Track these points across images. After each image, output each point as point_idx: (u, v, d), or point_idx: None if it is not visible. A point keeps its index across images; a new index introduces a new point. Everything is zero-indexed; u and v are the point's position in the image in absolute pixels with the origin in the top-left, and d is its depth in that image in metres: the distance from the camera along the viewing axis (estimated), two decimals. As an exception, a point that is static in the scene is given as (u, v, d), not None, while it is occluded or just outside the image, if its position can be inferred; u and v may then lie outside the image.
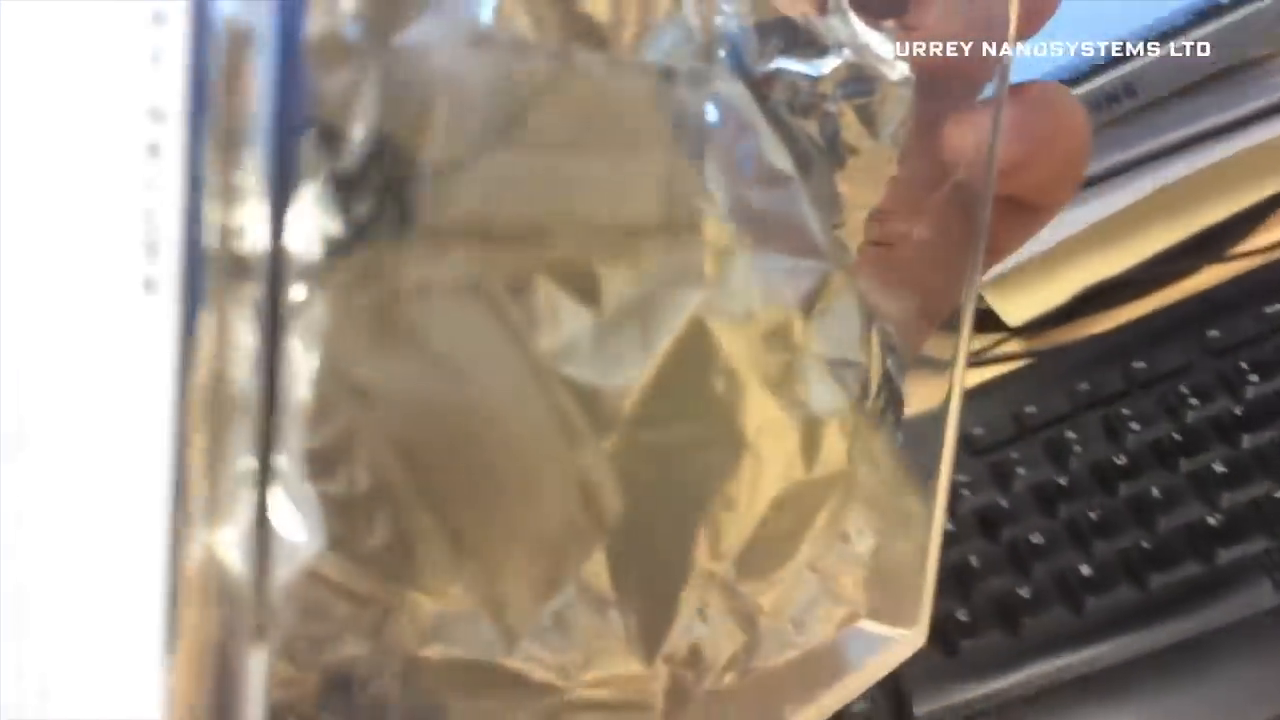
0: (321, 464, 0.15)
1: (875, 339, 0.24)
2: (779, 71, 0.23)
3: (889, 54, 0.25)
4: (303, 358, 0.14)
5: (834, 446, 0.23)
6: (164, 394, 0.12)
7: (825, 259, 0.22)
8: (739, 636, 0.23)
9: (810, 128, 0.24)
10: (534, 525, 0.16)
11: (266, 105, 0.12)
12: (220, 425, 0.13)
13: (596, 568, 0.19)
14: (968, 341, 0.28)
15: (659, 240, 0.18)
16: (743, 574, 0.24)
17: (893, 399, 0.26)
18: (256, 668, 0.14)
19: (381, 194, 0.14)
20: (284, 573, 0.14)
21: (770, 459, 0.22)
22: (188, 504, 0.13)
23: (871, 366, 0.24)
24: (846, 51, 0.24)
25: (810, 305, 0.22)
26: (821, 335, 0.23)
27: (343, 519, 0.15)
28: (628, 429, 0.18)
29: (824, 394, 0.23)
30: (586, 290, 0.17)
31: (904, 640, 0.28)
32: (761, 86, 0.23)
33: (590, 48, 0.16)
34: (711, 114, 0.20)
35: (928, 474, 0.28)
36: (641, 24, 0.17)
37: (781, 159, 0.22)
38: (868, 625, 0.28)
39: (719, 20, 0.22)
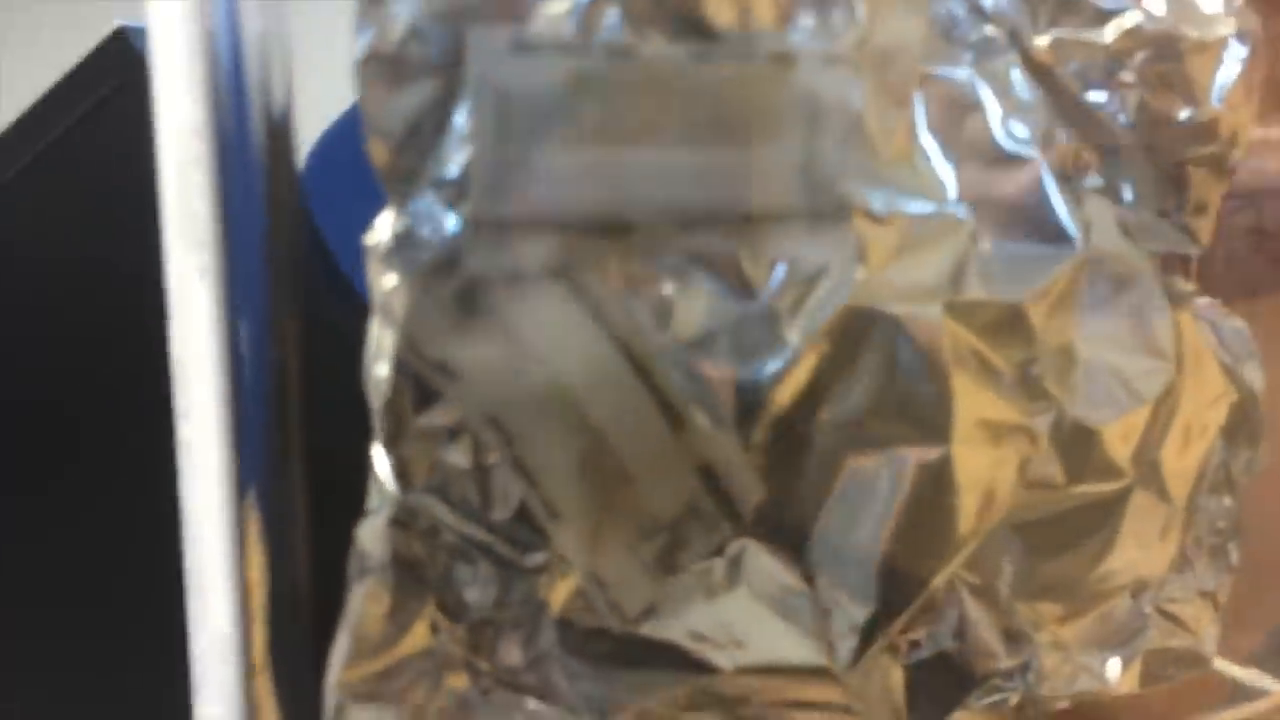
0: (438, 435, 0.17)
1: (1174, 330, 0.21)
2: (1059, 41, 0.21)
3: (1212, 7, 0.22)
4: (384, 338, 0.16)
5: (1104, 453, 0.21)
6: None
7: (1071, 245, 0.20)
8: (1000, 653, 0.22)
9: (1105, 100, 0.22)
10: (637, 506, 0.17)
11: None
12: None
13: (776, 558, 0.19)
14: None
15: (797, 229, 0.17)
16: (1016, 592, 0.22)
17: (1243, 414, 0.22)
18: (354, 603, 0.16)
19: (464, 191, 0.15)
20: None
21: (1001, 462, 0.20)
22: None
23: (1181, 359, 0.21)
24: (1136, 14, 0.21)
25: (1048, 295, 0.20)
26: (1082, 328, 0.20)
27: (464, 486, 0.17)
28: (788, 419, 0.18)
29: (1086, 394, 0.21)
30: (716, 279, 0.17)
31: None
32: (1041, 60, 0.21)
33: (705, 43, 0.16)
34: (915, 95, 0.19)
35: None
36: (775, 15, 0.17)
37: (1016, 135, 0.20)
38: (1231, 670, 0.25)
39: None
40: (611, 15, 0.16)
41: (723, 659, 0.19)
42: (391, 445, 0.17)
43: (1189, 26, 0.22)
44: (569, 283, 0.16)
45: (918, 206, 0.19)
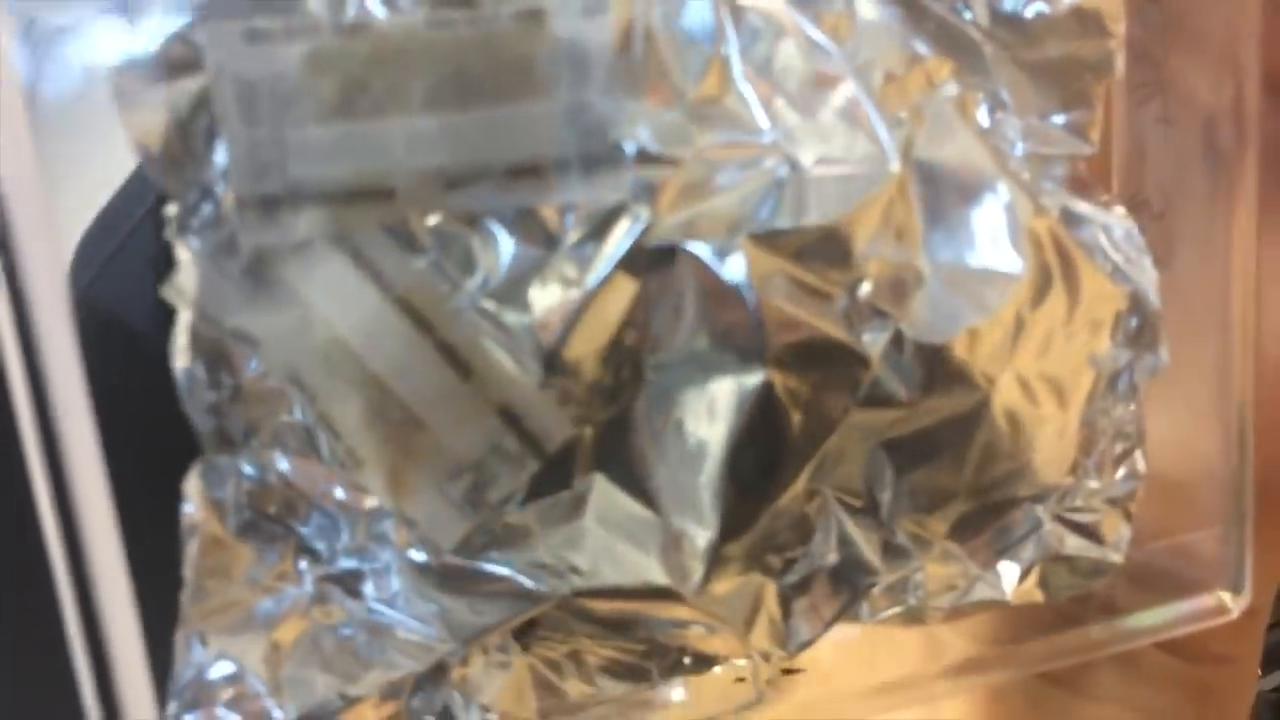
0: (264, 394, 0.19)
1: (1029, 238, 0.21)
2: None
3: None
4: (183, 317, 0.17)
5: (951, 365, 0.21)
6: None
7: (889, 163, 0.20)
8: (881, 568, 0.22)
9: (958, 4, 0.22)
10: (436, 449, 0.18)
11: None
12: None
13: (608, 489, 0.20)
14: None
15: (575, 177, 0.18)
16: (897, 508, 0.22)
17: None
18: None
19: (235, 173, 0.17)
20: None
21: (828, 383, 0.20)
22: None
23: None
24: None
25: (868, 215, 0.20)
26: (920, 244, 0.21)
27: (298, 437, 0.19)
28: (607, 358, 0.19)
29: (927, 310, 0.21)
30: (514, 230, 0.18)
31: (1211, 602, 0.24)
32: None
33: (448, 4, 0.17)
34: (727, 29, 0.20)
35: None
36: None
37: (829, 58, 0.20)
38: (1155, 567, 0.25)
39: None
40: None
41: (561, 586, 0.20)
42: (221, 409, 0.18)
43: None
44: (348, 248, 0.17)
45: (721, 138, 0.19)
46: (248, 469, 0.19)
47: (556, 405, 0.19)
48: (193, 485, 0.18)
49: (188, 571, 0.18)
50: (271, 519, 0.19)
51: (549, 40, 0.18)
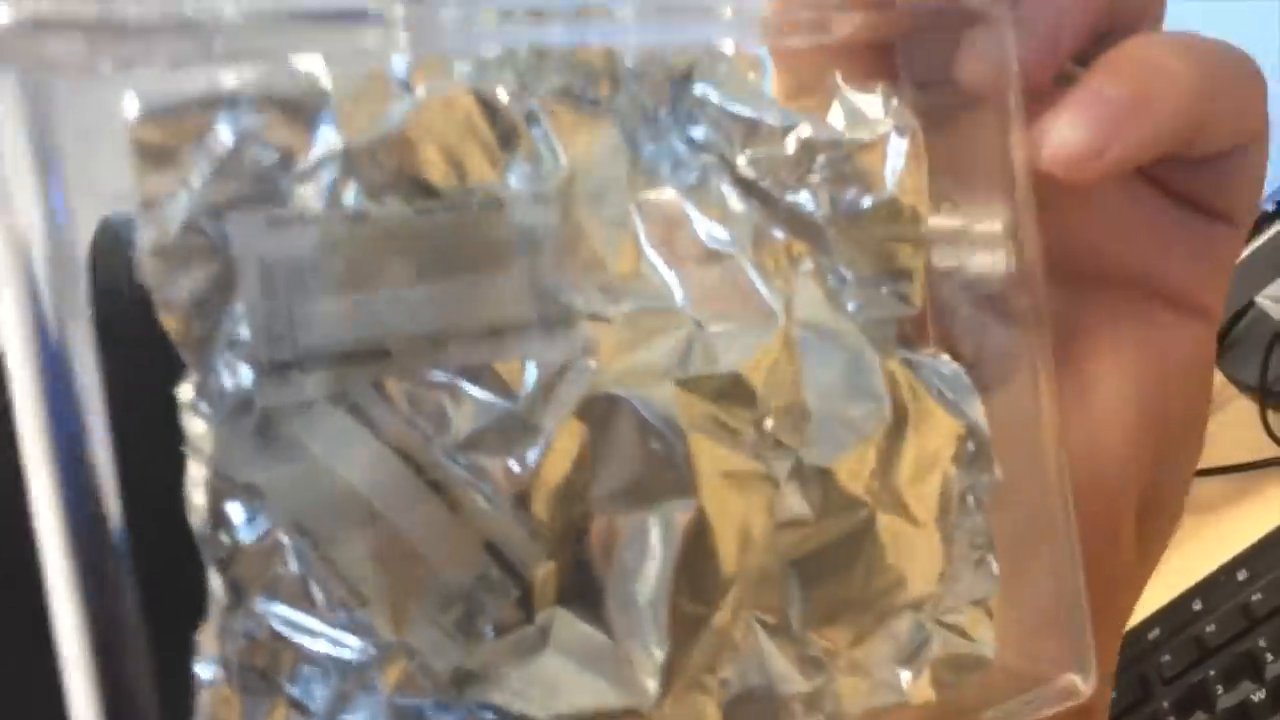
0: (263, 549, 0.20)
1: (886, 378, 0.26)
2: (754, 158, 0.26)
3: (874, 112, 0.27)
4: (198, 472, 0.19)
5: (840, 489, 0.25)
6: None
7: (775, 320, 0.24)
8: (799, 682, 0.25)
9: (804, 199, 0.26)
10: (432, 582, 0.20)
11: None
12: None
13: (564, 615, 0.22)
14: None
15: (533, 336, 0.21)
16: (806, 623, 0.25)
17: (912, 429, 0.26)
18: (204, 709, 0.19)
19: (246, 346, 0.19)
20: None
21: (749, 507, 0.24)
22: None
23: (882, 408, 0.25)
24: (806, 126, 0.26)
25: (762, 362, 0.24)
26: (803, 385, 0.25)
27: (293, 590, 0.20)
28: (563, 496, 0.22)
29: (817, 439, 0.25)
30: (481, 387, 0.21)
31: (1064, 684, 0.28)
32: (745, 176, 0.26)
33: (425, 198, 0.21)
34: (634, 219, 0.24)
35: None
36: (487, 167, 0.21)
37: (718, 238, 0.24)
38: (1015, 666, 0.28)
39: (698, 131, 0.26)
40: (352, 189, 0.20)
41: (539, 710, 0.22)
42: (224, 565, 0.20)
43: (854, 129, 0.27)
44: (347, 404, 0.20)
45: (644, 304, 0.23)
46: (239, 627, 0.20)
47: (529, 537, 0.21)
48: (208, 637, 0.19)
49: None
50: (260, 675, 0.21)
51: (507, 224, 0.21)
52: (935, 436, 0.27)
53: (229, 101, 0.19)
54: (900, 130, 0.27)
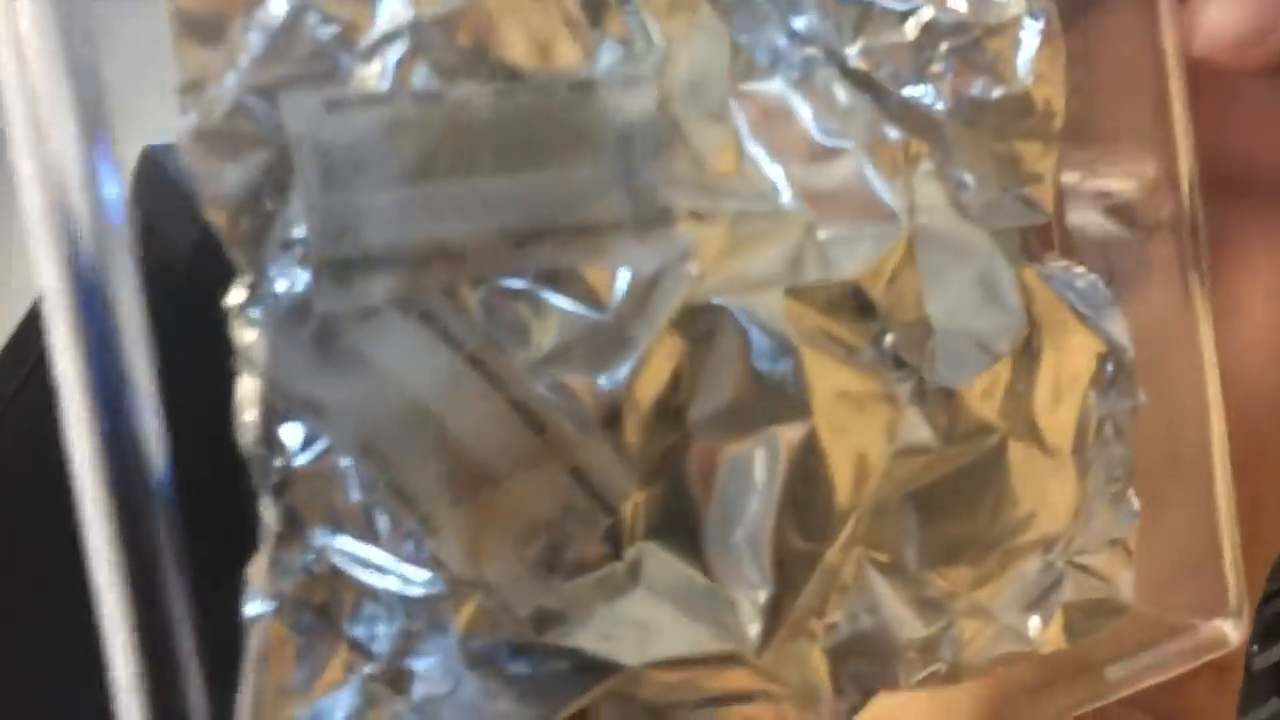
0: (322, 473, 0.18)
1: (1020, 289, 0.23)
2: (868, 48, 0.23)
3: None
4: (249, 387, 0.17)
5: (969, 412, 0.22)
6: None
7: (896, 223, 0.21)
8: (916, 626, 0.23)
9: (923, 93, 0.23)
10: (512, 511, 0.18)
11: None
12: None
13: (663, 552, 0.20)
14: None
15: (626, 238, 0.19)
16: (924, 562, 0.23)
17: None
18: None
19: (300, 243, 0.17)
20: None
21: (867, 431, 0.21)
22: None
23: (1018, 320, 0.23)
24: (929, 9, 0.23)
25: (882, 271, 0.21)
26: (929, 298, 0.22)
27: (356, 519, 0.18)
28: (657, 417, 0.20)
29: (943, 358, 0.22)
30: (566, 295, 0.19)
31: (1210, 633, 0.25)
32: (857, 68, 0.23)
33: (505, 80, 0.18)
34: (735, 111, 0.21)
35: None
36: (574, 46, 0.19)
37: (832, 135, 0.22)
38: (1148, 613, 0.26)
39: (800, 21, 0.23)
40: (421, 69, 0.18)
41: (629, 655, 0.20)
42: (279, 491, 0.18)
43: (981, 11, 0.23)
44: (418, 311, 0.18)
45: (748, 205, 0.20)
46: (294, 560, 0.19)
47: (619, 463, 0.19)
48: (257, 574, 0.17)
49: (248, 674, 0.17)
50: (318, 612, 0.19)
51: (599, 110, 0.18)
52: (1074, 356, 0.24)
53: None
54: (1034, 12, 0.24)
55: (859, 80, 0.23)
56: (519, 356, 0.18)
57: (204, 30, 0.17)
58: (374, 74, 0.17)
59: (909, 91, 0.23)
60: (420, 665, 0.19)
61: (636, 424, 0.19)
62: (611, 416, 0.19)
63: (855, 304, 0.21)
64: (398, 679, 0.19)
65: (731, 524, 0.20)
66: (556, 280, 0.19)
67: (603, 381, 0.19)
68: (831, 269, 0.21)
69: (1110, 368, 0.25)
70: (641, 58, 0.19)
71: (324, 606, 0.19)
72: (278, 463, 0.18)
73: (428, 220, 0.17)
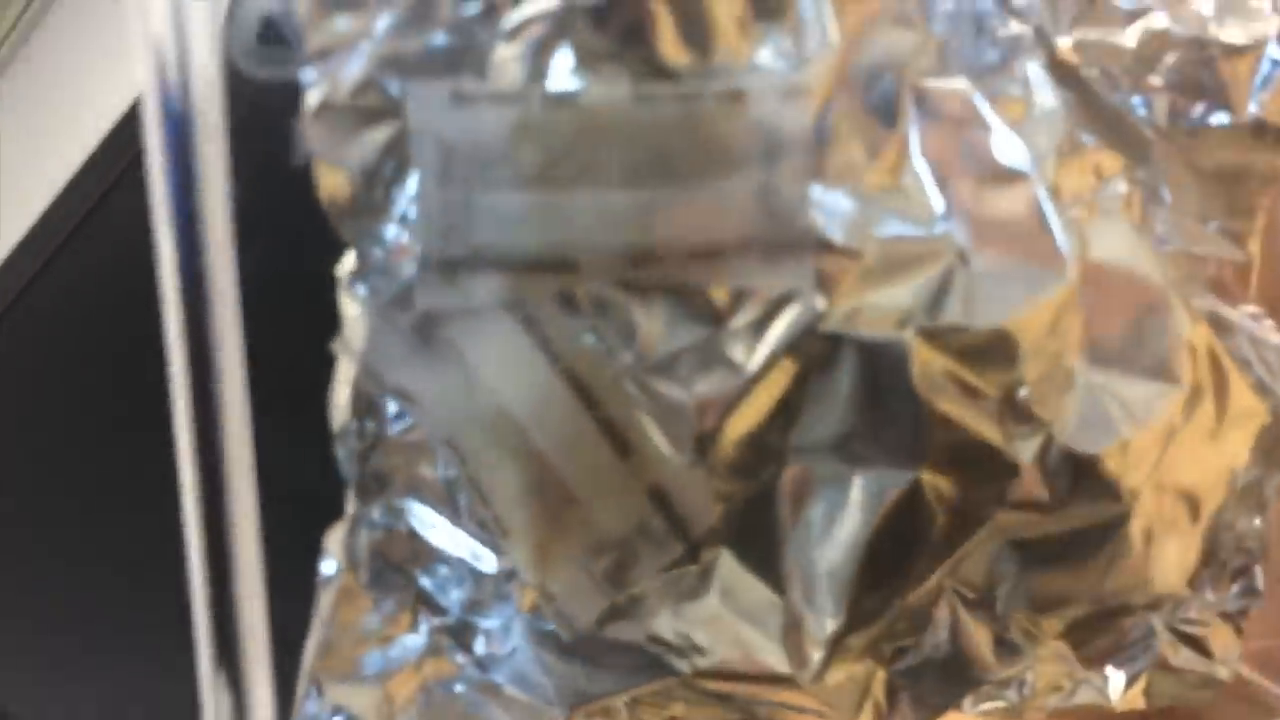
0: (409, 447, 0.18)
1: (1186, 348, 0.21)
2: (1082, 42, 0.21)
3: (1256, 3, 0.21)
4: (346, 366, 0.17)
5: (1097, 478, 0.21)
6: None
7: (1064, 266, 0.19)
8: (991, 664, 0.22)
9: (1135, 104, 0.21)
10: (585, 525, 0.18)
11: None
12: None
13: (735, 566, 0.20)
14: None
15: (755, 260, 0.17)
16: (1014, 605, 0.22)
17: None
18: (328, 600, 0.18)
19: (415, 227, 0.16)
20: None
21: (978, 486, 0.20)
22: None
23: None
24: (1162, 15, 0.20)
25: (1037, 317, 0.19)
26: (1080, 350, 0.20)
27: (436, 493, 0.18)
28: (756, 440, 0.19)
29: (1081, 417, 0.20)
30: (680, 305, 0.18)
31: None
32: (1066, 61, 0.21)
33: (653, 76, 0.17)
34: (908, 113, 0.19)
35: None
36: (738, 47, 0.17)
37: (1010, 148, 0.19)
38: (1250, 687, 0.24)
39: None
40: (566, 55, 0.16)
41: (685, 662, 0.20)
42: (365, 457, 0.18)
43: (1224, 27, 0.20)
44: (520, 315, 0.17)
45: (897, 229, 0.19)
46: (377, 517, 0.19)
47: (707, 490, 0.18)
48: (334, 540, 0.18)
49: (317, 624, 0.18)
50: (395, 568, 0.19)
51: (747, 122, 0.17)
52: (1233, 423, 0.22)
53: None
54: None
55: (1065, 75, 0.21)
56: (625, 360, 0.18)
57: (339, -7, 0.16)
58: (513, 55, 0.16)
59: (1119, 98, 0.21)
60: (485, 624, 0.20)
61: (735, 440, 0.19)
62: (707, 437, 0.18)
63: (996, 351, 0.19)
64: (463, 632, 0.20)
65: (815, 551, 0.20)
66: (678, 292, 0.18)
67: (708, 393, 0.18)
68: (976, 310, 0.19)
69: (1273, 440, 0.22)
70: (812, 56, 0.18)
71: (401, 563, 0.19)
72: (370, 426, 0.18)
73: (543, 228, 0.16)
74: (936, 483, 0.19)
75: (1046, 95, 0.20)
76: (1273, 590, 0.24)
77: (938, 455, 0.19)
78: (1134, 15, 0.20)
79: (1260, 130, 0.21)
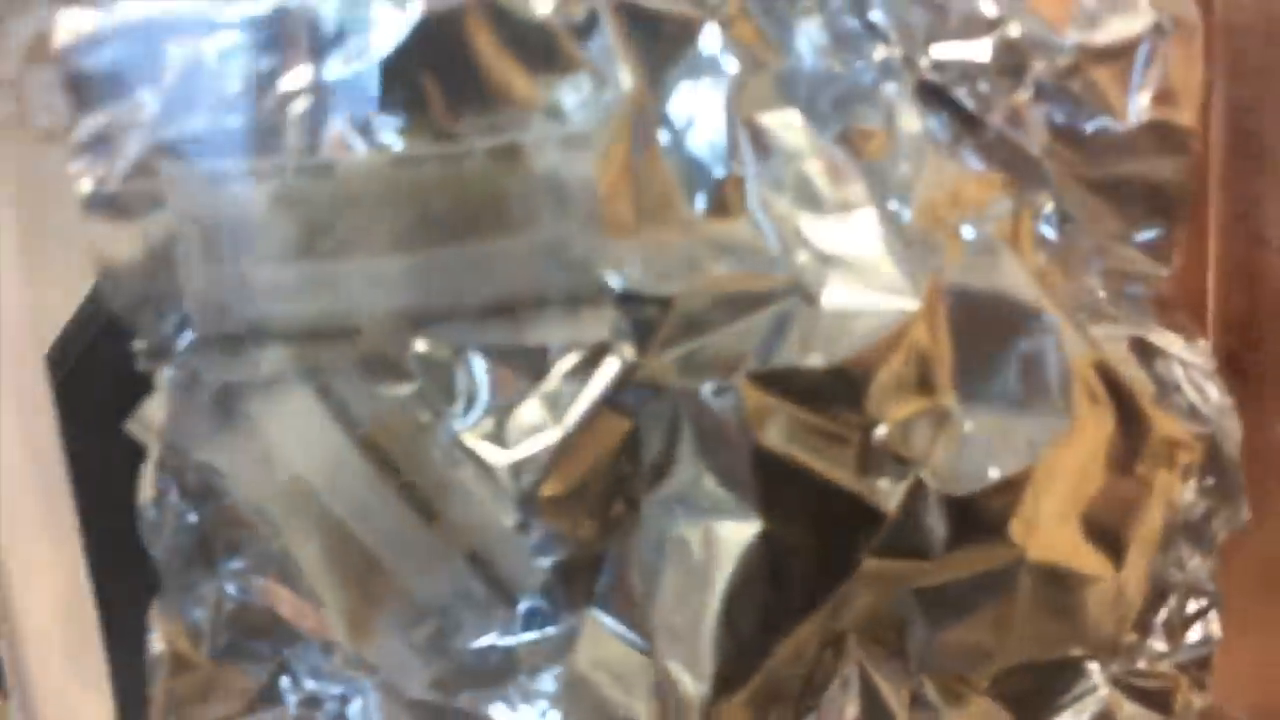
0: (245, 519, 0.18)
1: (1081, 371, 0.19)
2: (940, 63, 0.20)
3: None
4: (151, 447, 0.17)
5: (978, 522, 0.19)
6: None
7: (914, 295, 0.18)
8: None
9: (1006, 118, 0.20)
10: (398, 593, 0.17)
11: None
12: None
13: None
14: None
15: (555, 315, 0.17)
16: (926, 660, 0.21)
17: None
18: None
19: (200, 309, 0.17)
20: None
21: (835, 535, 0.19)
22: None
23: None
24: (1018, 23, 0.19)
25: (892, 353, 0.18)
26: (951, 384, 0.19)
27: (273, 566, 0.19)
28: (582, 493, 0.18)
29: (958, 455, 0.19)
30: (496, 366, 0.18)
31: None
32: (930, 81, 0.20)
33: (430, 142, 0.17)
34: (741, 146, 0.18)
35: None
36: (522, 102, 0.17)
37: (846, 178, 0.19)
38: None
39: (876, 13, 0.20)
40: (335, 128, 0.17)
41: (542, 728, 0.19)
42: (211, 524, 0.18)
43: (1089, 29, 0.19)
44: (315, 384, 0.17)
45: (729, 268, 0.18)
46: (230, 589, 0.19)
47: (531, 551, 0.18)
48: (156, 617, 0.18)
49: (156, 698, 0.18)
50: (254, 638, 0.19)
51: (525, 176, 0.17)
52: (1153, 451, 0.20)
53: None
54: (1162, 27, 0.19)
55: (932, 96, 0.20)
56: (439, 422, 0.18)
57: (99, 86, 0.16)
58: (285, 127, 0.16)
59: (992, 118, 0.20)
60: (353, 694, 0.20)
61: (566, 504, 0.18)
62: (530, 498, 0.18)
63: (840, 391, 0.18)
64: (329, 706, 0.20)
65: (671, 608, 0.19)
66: (487, 347, 0.18)
67: (524, 459, 0.18)
68: (815, 349, 0.18)
69: (1210, 470, 0.20)
70: (602, 102, 0.17)
71: (259, 634, 0.19)
72: (208, 500, 0.18)
73: (317, 297, 0.16)
74: (787, 533, 0.18)
75: (910, 120, 0.19)
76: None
77: (786, 503, 0.18)
78: (991, 25, 0.19)
79: (1154, 133, 0.20)
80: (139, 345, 0.17)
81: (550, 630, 0.19)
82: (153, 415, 0.17)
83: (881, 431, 0.18)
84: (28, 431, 0.17)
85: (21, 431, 0.17)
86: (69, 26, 0.16)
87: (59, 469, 0.17)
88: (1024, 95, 0.19)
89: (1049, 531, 0.19)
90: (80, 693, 0.17)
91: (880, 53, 0.20)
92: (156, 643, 0.18)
